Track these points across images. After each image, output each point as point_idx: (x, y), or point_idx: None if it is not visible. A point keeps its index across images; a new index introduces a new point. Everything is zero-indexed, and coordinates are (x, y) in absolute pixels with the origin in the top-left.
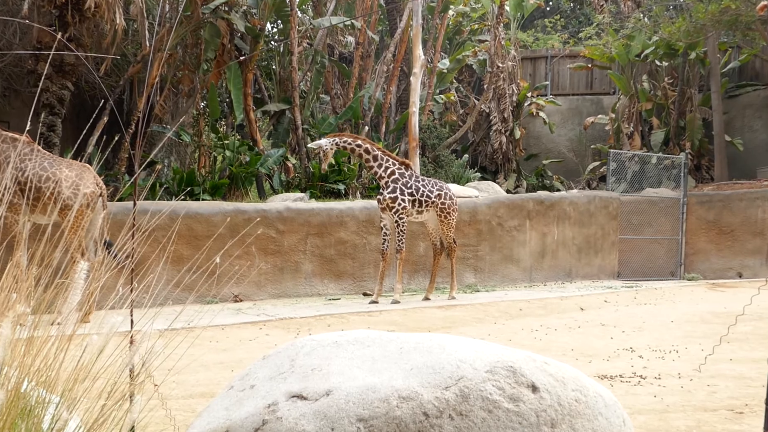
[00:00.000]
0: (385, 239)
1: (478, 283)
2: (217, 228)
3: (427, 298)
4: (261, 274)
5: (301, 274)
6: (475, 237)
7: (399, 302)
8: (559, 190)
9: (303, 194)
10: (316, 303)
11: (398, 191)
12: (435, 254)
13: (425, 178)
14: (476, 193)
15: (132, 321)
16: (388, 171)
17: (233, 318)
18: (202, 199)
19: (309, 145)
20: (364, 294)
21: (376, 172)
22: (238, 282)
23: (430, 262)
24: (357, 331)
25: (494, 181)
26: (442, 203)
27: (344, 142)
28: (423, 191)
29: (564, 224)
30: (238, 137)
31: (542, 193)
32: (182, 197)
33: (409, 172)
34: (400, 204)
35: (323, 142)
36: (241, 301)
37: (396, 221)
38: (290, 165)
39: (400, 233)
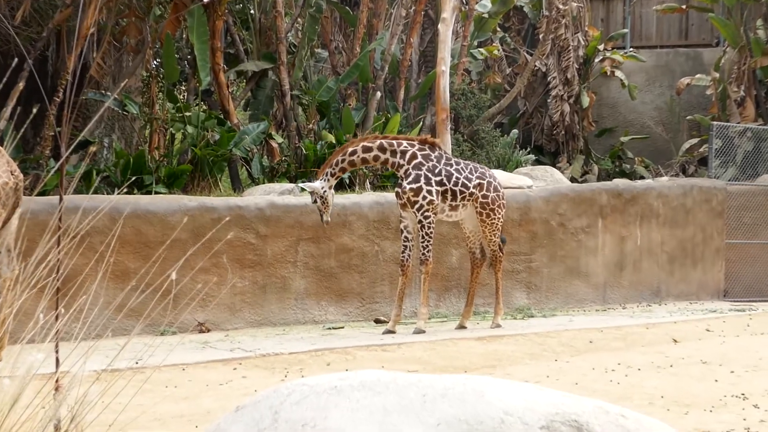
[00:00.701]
0: (405, 246)
1: (532, 306)
2: (174, 231)
3: (462, 327)
4: (235, 295)
5: (289, 293)
6: (528, 242)
7: (424, 332)
8: (643, 177)
9: (293, 185)
10: (311, 333)
11: (422, 180)
12: (473, 266)
13: (460, 161)
14: (529, 182)
15: (57, 359)
16: (407, 155)
17: (197, 354)
18: (156, 192)
19: (300, 185)
20: (377, 321)
21: (394, 163)
22: (204, 305)
23: (466, 276)
24: (365, 372)
25: (554, 165)
26: (484, 196)
27: (339, 165)
28: (457, 179)
29: (650, 224)
30: (204, 107)
31: (620, 182)
32: (127, 189)
33: (436, 153)
34: (425, 197)
35: (317, 184)
36: (208, 330)
37: (420, 221)
38: (275, 145)
39: (426, 237)
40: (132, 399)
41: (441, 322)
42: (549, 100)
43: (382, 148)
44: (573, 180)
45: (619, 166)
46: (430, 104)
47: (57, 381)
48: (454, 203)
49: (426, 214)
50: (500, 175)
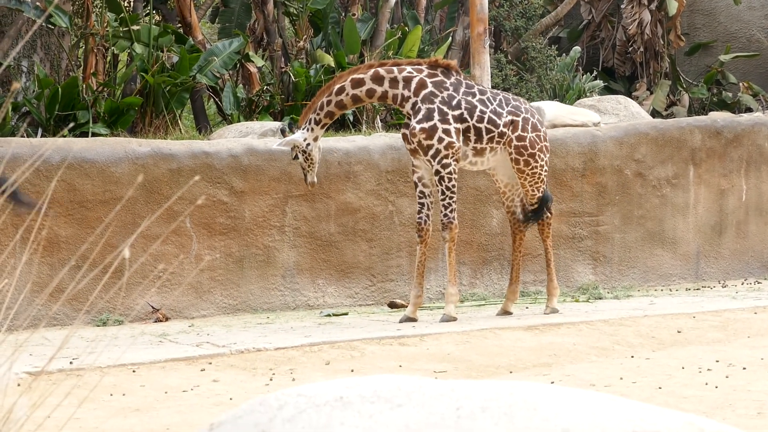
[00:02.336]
0: (422, 204)
1: (600, 283)
2: (120, 187)
3: (506, 312)
4: (202, 271)
5: (275, 269)
6: (594, 199)
7: (455, 319)
8: (750, 109)
9: (279, 123)
10: (304, 322)
11: (437, 115)
12: (514, 232)
13: (486, 89)
14: (596, 117)
15: None
16: (413, 84)
17: (152, 351)
18: (93, 134)
19: (274, 147)
20: (392, 305)
21: (396, 96)
22: (161, 285)
23: (510, 245)
24: (381, 378)
25: (629, 94)
26: (520, 138)
27: (325, 109)
28: (483, 112)
29: (760, 173)
30: (158, 19)
31: (719, 117)
32: (55, 130)
33: (452, 80)
34: (441, 139)
35: (297, 136)
36: (167, 319)
37: (438, 171)
38: (253, 70)
39: (447, 193)
40: (69, 413)
41: (478, 306)
42: (623, 6)
43: (377, 79)
44: (655, 114)
45: (717, 95)
46: (462, 13)
47: None
48: (479, 146)
49: (445, 161)
50: (557, 109)
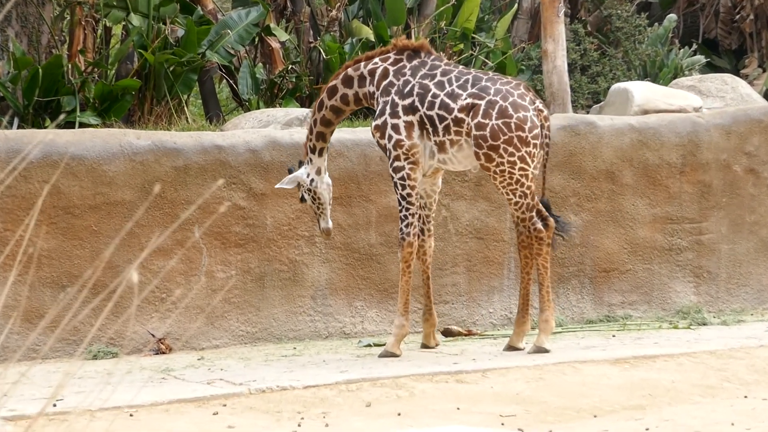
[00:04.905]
0: (423, 208)
1: (703, 306)
2: (114, 189)
3: (513, 347)
4: (214, 292)
5: (303, 288)
6: (695, 201)
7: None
8: None
9: (305, 111)
10: (340, 354)
11: (387, 109)
12: (520, 244)
13: (454, 69)
14: (697, 101)
15: None
16: (377, 76)
17: (154, 390)
18: (82, 125)
19: (277, 186)
20: (446, 332)
21: (366, 95)
22: (164, 309)
23: (592, 257)
24: (446, 430)
25: (737, 72)
26: (480, 126)
27: (314, 131)
28: (435, 96)
29: None
30: None
31: None
32: (35, 119)
33: (414, 63)
34: (390, 137)
35: (300, 173)
36: (170, 350)
37: (391, 176)
38: (275, 45)
39: (403, 203)
40: None
41: (552, 334)
42: None
43: (347, 81)
44: None
45: None
46: None
47: None
48: (437, 138)
49: (396, 164)
50: (648, 91)
